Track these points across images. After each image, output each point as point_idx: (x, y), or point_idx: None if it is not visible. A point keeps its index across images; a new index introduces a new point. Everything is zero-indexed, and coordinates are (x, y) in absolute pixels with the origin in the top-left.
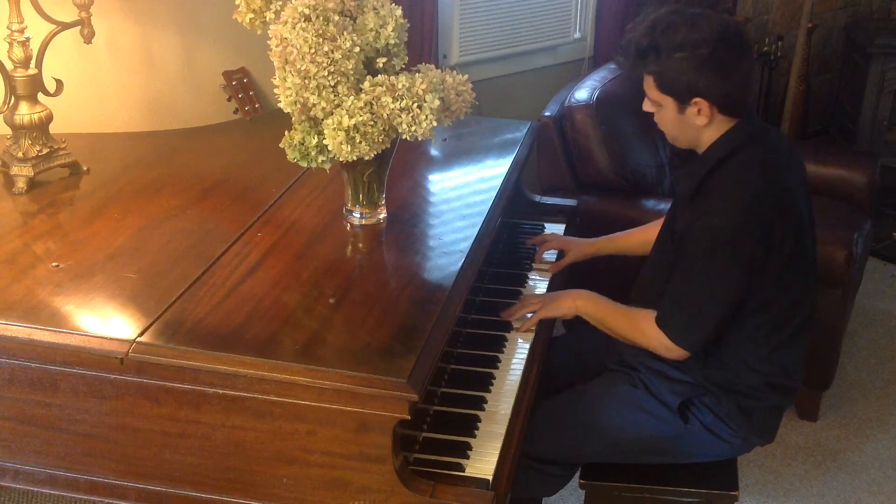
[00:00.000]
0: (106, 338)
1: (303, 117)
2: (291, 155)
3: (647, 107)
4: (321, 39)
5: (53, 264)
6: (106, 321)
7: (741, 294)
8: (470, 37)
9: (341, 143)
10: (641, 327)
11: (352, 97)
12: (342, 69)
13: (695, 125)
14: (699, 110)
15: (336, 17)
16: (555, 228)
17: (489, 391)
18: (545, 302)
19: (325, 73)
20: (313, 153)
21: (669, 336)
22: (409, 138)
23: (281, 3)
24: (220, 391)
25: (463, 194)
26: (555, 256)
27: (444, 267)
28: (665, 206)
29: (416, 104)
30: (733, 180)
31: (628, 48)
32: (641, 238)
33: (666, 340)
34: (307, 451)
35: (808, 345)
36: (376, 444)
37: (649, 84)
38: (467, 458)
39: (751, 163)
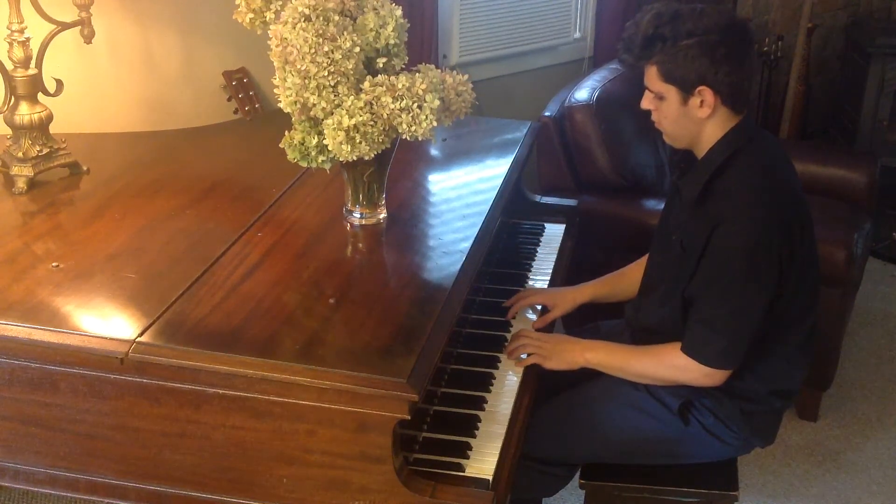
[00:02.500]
0: (106, 338)
1: (303, 117)
2: (291, 155)
3: (645, 103)
4: (321, 39)
5: (53, 264)
6: (106, 321)
7: (772, 297)
8: (470, 37)
9: (341, 143)
10: (672, 362)
11: (352, 97)
12: (342, 69)
13: (696, 118)
14: (702, 101)
15: (336, 17)
16: (555, 228)
17: (489, 391)
18: (550, 352)
19: (325, 73)
20: (313, 153)
21: (710, 364)
22: (409, 138)
23: (281, 3)
24: (220, 391)
25: (463, 194)
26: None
27: (444, 267)
28: None
29: (416, 104)
30: (743, 184)
31: (632, 40)
32: (630, 280)
33: (705, 369)
34: (307, 451)
35: (813, 350)
36: (376, 444)
37: (652, 75)
38: (467, 458)
39: (756, 165)
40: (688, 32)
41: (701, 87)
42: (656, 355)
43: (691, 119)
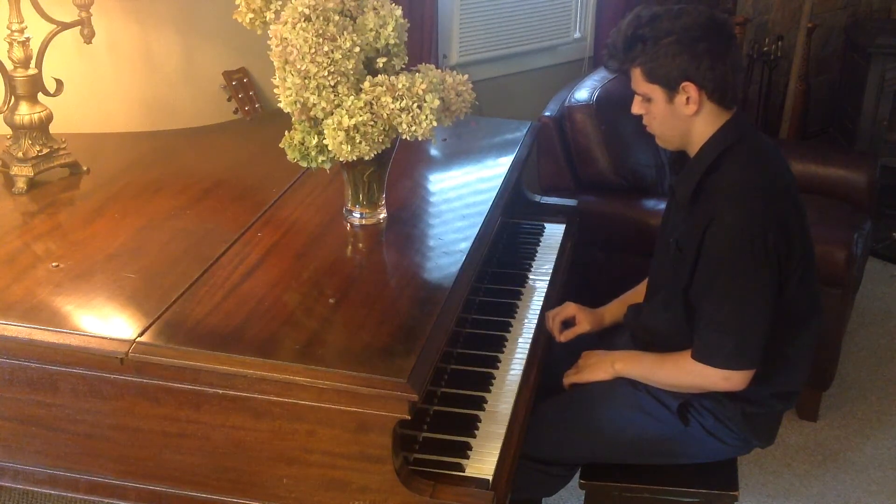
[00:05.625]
0: (106, 338)
1: (303, 117)
2: (291, 155)
3: (635, 108)
4: (321, 39)
5: (53, 264)
6: (106, 321)
7: (775, 293)
8: (470, 37)
9: (341, 143)
10: (691, 368)
11: (352, 97)
12: (342, 69)
13: (684, 116)
14: (688, 98)
15: (336, 17)
16: (555, 228)
17: (489, 391)
18: (582, 367)
19: (325, 73)
20: (313, 153)
21: (722, 366)
22: (409, 138)
23: (281, 3)
24: (220, 391)
25: (463, 194)
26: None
27: (444, 267)
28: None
29: (416, 104)
30: (735, 180)
31: (615, 45)
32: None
33: (721, 372)
34: (307, 452)
35: (813, 352)
36: (376, 444)
37: (637, 78)
38: (467, 458)
39: (747, 161)
40: (667, 31)
41: (685, 84)
42: (677, 363)
43: (679, 117)
